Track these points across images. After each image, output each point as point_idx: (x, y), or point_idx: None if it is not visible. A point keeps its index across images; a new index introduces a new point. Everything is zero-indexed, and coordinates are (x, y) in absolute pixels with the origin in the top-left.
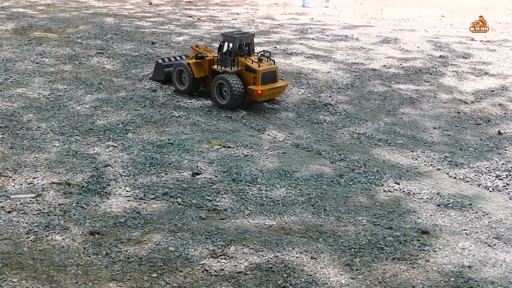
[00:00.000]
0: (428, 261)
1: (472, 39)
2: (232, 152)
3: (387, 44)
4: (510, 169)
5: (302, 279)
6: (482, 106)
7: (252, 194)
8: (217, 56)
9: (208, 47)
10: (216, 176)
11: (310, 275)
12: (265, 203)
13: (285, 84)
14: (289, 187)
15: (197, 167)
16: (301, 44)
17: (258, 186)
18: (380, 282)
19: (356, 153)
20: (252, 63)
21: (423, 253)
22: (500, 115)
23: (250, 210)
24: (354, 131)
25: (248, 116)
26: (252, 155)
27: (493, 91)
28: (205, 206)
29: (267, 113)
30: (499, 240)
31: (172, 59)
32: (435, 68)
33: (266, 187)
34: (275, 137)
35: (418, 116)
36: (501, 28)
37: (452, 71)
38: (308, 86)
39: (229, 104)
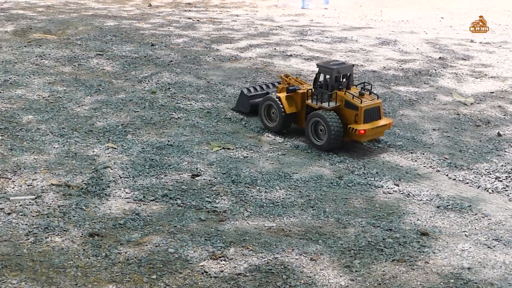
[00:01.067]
0: (428, 263)
1: (472, 41)
2: (232, 153)
3: (386, 45)
4: (510, 171)
5: (302, 281)
6: (481, 108)
7: (252, 196)
8: (311, 90)
9: (298, 77)
10: (215, 178)
11: (310, 277)
12: (265, 204)
13: (390, 122)
14: (289, 189)
15: (196, 168)
16: (301, 45)
17: (258, 187)
18: (380, 283)
19: (355, 155)
20: (353, 98)
21: (422, 254)
22: (499, 117)
23: (250, 212)
24: None
25: (247, 118)
26: (252, 157)
27: (492, 93)
28: (204, 207)
29: None
30: (498, 241)
31: (258, 88)
32: (435, 70)
33: (266, 188)
34: (274, 139)
35: (418, 117)
36: (501, 30)
37: (452, 73)
38: None
39: (326, 145)
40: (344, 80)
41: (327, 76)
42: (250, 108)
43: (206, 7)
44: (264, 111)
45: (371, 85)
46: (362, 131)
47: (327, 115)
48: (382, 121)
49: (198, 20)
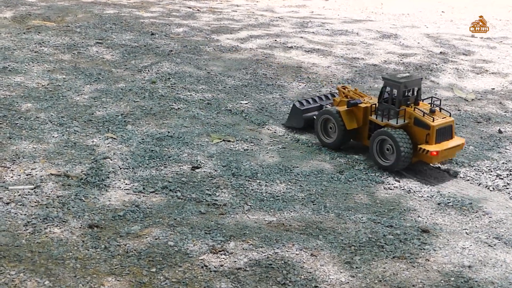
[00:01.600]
0: (428, 260)
1: (473, 36)
2: (232, 146)
3: (387, 39)
4: (511, 168)
5: (302, 276)
6: (482, 104)
7: (252, 189)
8: (375, 104)
9: (357, 89)
10: (215, 170)
11: (310, 272)
12: (265, 198)
13: (462, 142)
14: (289, 183)
15: (196, 160)
16: (301, 37)
17: (258, 181)
18: (380, 280)
19: (357, 150)
20: (423, 115)
21: (423, 252)
22: (500, 114)
23: (250, 206)
24: None
25: (248, 110)
26: (252, 150)
27: (493, 89)
28: (204, 200)
29: (267, 107)
30: (499, 240)
31: (311, 101)
32: (435, 65)
33: (266, 182)
34: (275, 132)
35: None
36: (501, 25)
37: (452, 68)
38: (308, 81)
39: (393, 166)
40: (412, 94)
41: (394, 90)
42: (304, 123)
43: None
44: (321, 126)
45: (440, 100)
46: (435, 153)
47: (396, 133)
48: (455, 141)
49: (198, 10)
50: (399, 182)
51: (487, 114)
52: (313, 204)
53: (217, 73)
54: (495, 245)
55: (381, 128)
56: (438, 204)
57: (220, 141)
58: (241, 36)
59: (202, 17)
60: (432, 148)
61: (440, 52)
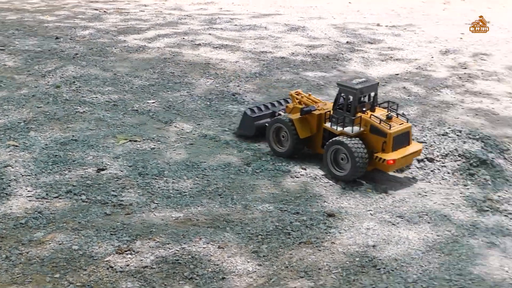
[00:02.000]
0: (334, 243)
1: (378, 25)
2: (139, 145)
3: (295, 32)
4: None
5: (209, 269)
6: (387, 89)
7: (159, 187)
8: (329, 111)
9: (311, 94)
10: (121, 171)
11: (217, 265)
12: (172, 195)
13: (420, 148)
14: (196, 178)
15: (102, 162)
16: (210, 34)
17: (165, 178)
18: (287, 266)
19: (263, 141)
20: (380, 123)
21: (329, 235)
22: (404, 98)
23: (157, 204)
24: None
25: (155, 109)
26: (159, 148)
27: (397, 74)
28: (110, 202)
29: (174, 105)
30: (402, 218)
31: (263, 107)
32: (342, 54)
33: (173, 179)
34: (182, 129)
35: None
36: (406, 13)
37: (359, 56)
38: (216, 76)
39: (348, 175)
40: (368, 100)
41: (350, 97)
42: (256, 131)
43: None
44: (273, 135)
45: (397, 104)
46: (391, 161)
47: (351, 142)
48: (412, 147)
49: (105, 11)
50: (306, 170)
51: (390, 99)
52: (220, 197)
53: (123, 74)
54: (398, 223)
55: (336, 137)
56: (343, 188)
57: (126, 142)
58: (148, 35)
59: (109, 18)
60: (389, 156)
61: (347, 42)
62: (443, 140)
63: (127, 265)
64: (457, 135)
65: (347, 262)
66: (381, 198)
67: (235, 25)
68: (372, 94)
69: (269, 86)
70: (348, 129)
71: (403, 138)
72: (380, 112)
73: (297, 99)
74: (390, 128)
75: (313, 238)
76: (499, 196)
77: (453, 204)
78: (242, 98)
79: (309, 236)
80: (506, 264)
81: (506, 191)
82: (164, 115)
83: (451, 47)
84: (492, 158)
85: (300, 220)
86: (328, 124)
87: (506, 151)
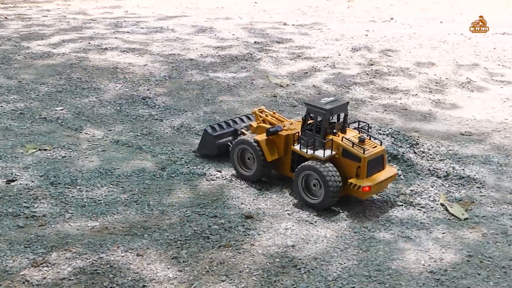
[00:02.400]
0: (253, 245)
1: (285, 24)
2: (49, 154)
3: (202, 33)
4: None
5: (129, 278)
6: (297, 88)
7: (73, 196)
8: (298, 133)
9: (275, 112)
10: (33, 181)
11: (137, 273)
12: (87, 204)
13: (394, 172)
14: (111, 185)
15: (11, 173)
16: (116, 38)
17: (78, 187)
18: (208, 271)
19: (177, 145)
20: (353, 146)
21: (248, 237)
22: (314, 95)
23: (71, 213)
24: (174, 122)
25: (64, 116)
26: (71, 156)
27: (306, 73)
28: (22, 213)
29: (83, 111)
30: (319, 217)
31: (224, 125)
32: (251, 54)
33: (87, 187)
34: (93, 135)
35: (237, 102)
36: (311, 12)
37: (268, 56)
38: (125, 81)
39: (322, 203)
40: (338, 120)
41: (319, 118)
42: (217, 151)
43: (14, 3)
44: (238, 157)
45: (369, 125)
46: (367, 188)
47: (324, 168)
48: (386, 172)
49: (6, 18)
50: (221, 172)
51: (301, 97)
52: (137, 204)
53: (29, 81)
54: (315, 222)
55: (307, 161)
56: (260, 190)
57: (36, 151)
58: (53, 41)
59: (10, 24)
60: (364, 182)
61: (255, 42)
62: None
63: (44, 278)
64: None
65: (268, 263)
66: (298, 198)
67: (142, 28)
68: (342, 114)
69: (180, 89)
70: (319, 153)
71: (378, 162)
72: (351, 134)
73: (260, 117)
74: (364, 152)
75: (232, 241)
76: (411, 190)
77: (367, 200)
78: (152, 101)
79: (228, 239)
80: (422, 257)
81: (418, 185)
82: (74, 122)
83: (357, 44)
84: (403, 153)
85: (218, 223)
86: (297, 147)
87: (416, 145)
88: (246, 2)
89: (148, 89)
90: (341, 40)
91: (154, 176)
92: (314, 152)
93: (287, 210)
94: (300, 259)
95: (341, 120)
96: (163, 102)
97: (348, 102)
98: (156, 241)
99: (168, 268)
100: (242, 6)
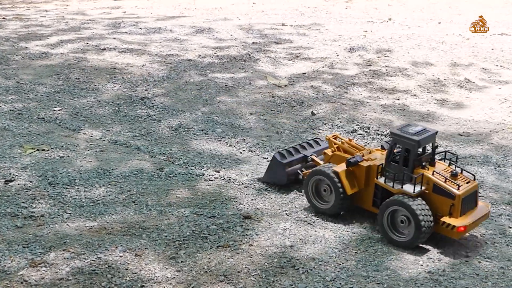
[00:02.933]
0: (252, 245)
1: (283, 24)
2: (47, 154)
3: (201, 34)
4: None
5: (127, 278)
6: (295, 89)
7: (71, 197)
8: (382, 165)
9: (352, 139)
10: (31, 182)
11: (135, 273)
12: (85, 204)
13: (488, 210)
14: (109, 186)
15: (9, 174)
16: (114, 38)
17: (77, 187)
18: (206, 271)
19: (176, 145)
20: (445, 181)
21: (246, 237)
22: (312, 97)
23: (69, 214)
24: (172, 123)
25: (62, 116)
26: (69, 156)
27: (304, 73)
28: (20, 214)
29: (81, 112)
30: (317, 217)
31: (293, 151)
32: (249, 55)
33: (85, 187)
34: (91, 136)
35: (235, 103)
36: (310, 12)
37: (266, 56)
38: (123, 81)
39: (410, 242)
40: (423, 151)
41: (406, 148)
42: (287, 179)
43: (13, 4)
44: (312, 189)
45: (457, 156)
46: (462, 228)
47: (414, 203)
48: (480, 210)
49: (4, 18)
50: (219, 172)
51: (300, 98)
52: (135, 204)
53: (27, 82)
54: (314, 222)
55: (393, 196)
56: (258, 190)
57: (34, 151)
58: (51, 41)
59: (9, 25)
60: (459, 222)
61: (253, 42)
62: (353, 138)
63: (42, 278)
64: (366, 131)
65: (266, 264)
66: (296, 198)
67: (140, 28)
68: (434, 145)
69: (178, 89)
70: (408, 187)
71: (471, 199)
72: (441, 167)
73: (335, 144)
74: (458, 189)
75: (230, 241)
76: None
77: None
78: (151, 102)
79: (226, 240)
80: (420, 258)
81: None
82: (72, 123)
83: (355, 44)
84: None
85: (217, 223)
86: (381, 180)
87: None
88: (244, 3)
89: (146, 90)
90: (339, 40)
91: (152, 176)
92: (402, 187)
93: (285, 211)
94: (298, 260)
95: (430, 151)
96: (161, 103)
97: (437, 132)
98: (154, 241)
99: (166, 268)
100: (240, 6)
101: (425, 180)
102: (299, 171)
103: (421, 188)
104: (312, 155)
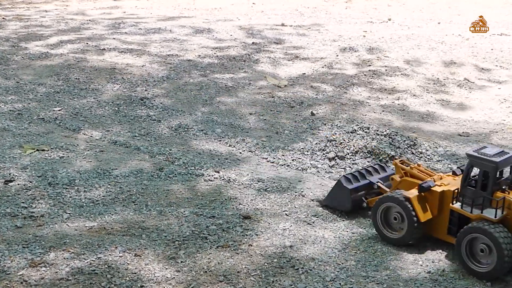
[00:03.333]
0: (251, 245)
1: (283, 24)
2: (47, 155)
3: (200, 34)
4: (323, 148)
5: (127, 278)
6: (295, 89)
7: (70, 197)
8: (457, 190)
9: (421, 164)
10: (30, 182)
11: (135, 273)
12: (85, 204)
13: None
14: (109, 186)
15: (9, 174)
16: (114, 39)
17: (76, 187)
18: (206, 271)
19: (175, 145)
20: None
21: (246, 238)
22: (312, 97)
23: (69, 214)
24: (172, 123)
25: (62, 116)
26: (68, 156)
27: (304, 74)
28: (20, 214)
29: (81, 112)
30: (317, 217)
31: (358, 175)
32: (249, 55)
33: (85, 188)
34: (91, 136)
35: (235, 103)
36: (309, 13)
37: (266, 57)
38: (123, 81)
39: (492, 273)
40: (500, 175)
41: (485, 171)
42: (352, 206)
43: (13, 4)
44: (381, 217)
45: None
46: None
47: (496, 231)
48: None
49: (4, 18)
50: (219, 173)
51: (299, 99)
52: (134, 204)
53: (27, 82)
54: (313, 222)
55: (472, 223)
56: (258, 190)
57: (34, 151)
58: (51, 42)
59: (9, 25)
60: None
61: (253, 43)
62: (352, 138)
63: (42, 278)
64: (365, 132)
65: (266, 264)
66: (295, 198)
67: (140, 29)
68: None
69: (178, 90)
70: (488, 213)
71: None
72: None
73: (403, 169)
74: None
75: (230, 241)
76: None
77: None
78: (150, 102)
79: (226, 240)
80: (420, 258)
81: None
82: (72, 123)
83: (355, 45)
84: (401, 154)
85: (216, 223)
86: (457, 205)
87: (414, 146)
88: (244, 3)
89: (146, 90)
90: (339, 41)
91: (152, 176)
92: (482, 212)
93: (285, 211)
94: (298, 260)
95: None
96: (161, 103)
97: None
98: (154, 241)
99: (166, 269)
100: (240, 7)
101: (506, 204)
102: (363, 198)
103: (502, 213)
104: (378, 182)
